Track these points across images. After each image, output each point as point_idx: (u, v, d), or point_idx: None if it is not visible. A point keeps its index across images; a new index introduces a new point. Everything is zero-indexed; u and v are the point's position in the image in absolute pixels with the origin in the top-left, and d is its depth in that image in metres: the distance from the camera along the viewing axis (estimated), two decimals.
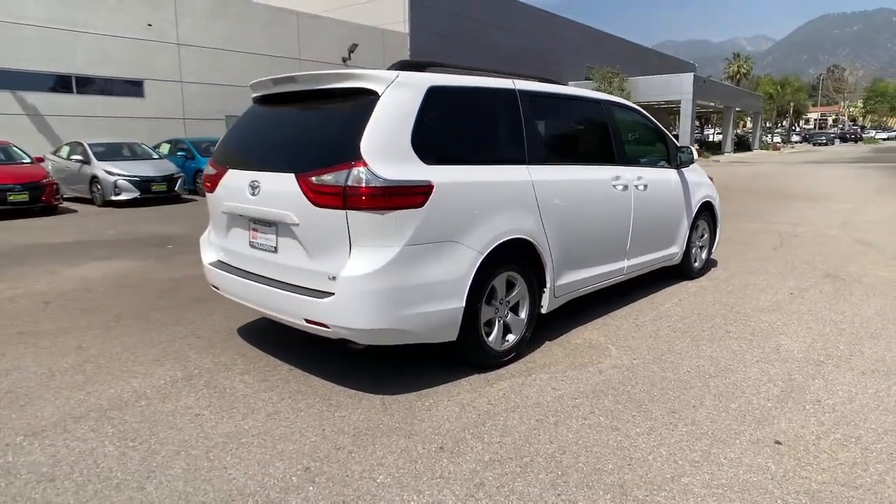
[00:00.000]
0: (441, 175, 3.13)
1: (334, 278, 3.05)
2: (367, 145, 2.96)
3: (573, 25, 44.57)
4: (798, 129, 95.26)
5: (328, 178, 2.97)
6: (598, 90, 42.05)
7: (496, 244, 3.39)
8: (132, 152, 14.91)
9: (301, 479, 2.45)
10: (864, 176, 19.85)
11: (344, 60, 28.14)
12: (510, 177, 3.59)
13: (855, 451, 2.64)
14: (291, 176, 3.14)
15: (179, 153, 16.38)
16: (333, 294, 3.03)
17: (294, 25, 26.24)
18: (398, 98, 3.11)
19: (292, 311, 3.22)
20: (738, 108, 52.67)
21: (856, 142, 64.04)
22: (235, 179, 3.54)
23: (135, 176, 13.45)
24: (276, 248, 3.36)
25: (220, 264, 3.85)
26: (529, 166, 3.74)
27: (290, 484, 2.42)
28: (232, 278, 3.64)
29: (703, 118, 61.39)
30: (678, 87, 43.20)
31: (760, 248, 7.44)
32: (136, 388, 3.38)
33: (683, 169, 5.42)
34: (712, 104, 48.68)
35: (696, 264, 5.89)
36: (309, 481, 2.44)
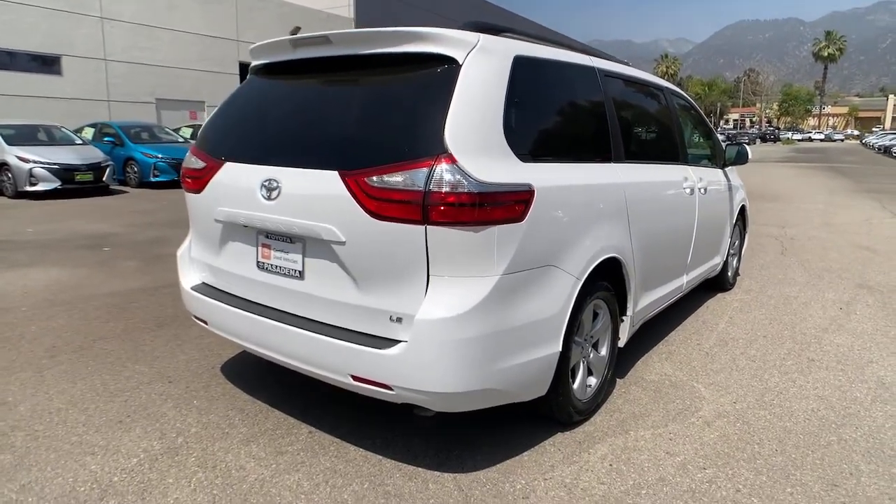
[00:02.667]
0: (540, 176, 2.31)
1: (400, 320, 2.17)
2: (452, 133, 2.08)
3: (519, 20, 44.29)
4: (720, 129, 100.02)
5: (397, 179, 2.07)
6: None
7: (593, 266, 2.60)
8: (50, 137, 13.06)
9: None
10: (806, 175, 20.45)
11: None
12: (604, 178, 2.81)
13: None
14: (334, 174, 2.21)
15: (106, 139, 14.55)
16: (401, 342, 2.14)
17: (233, 4, 24.38)
18: (484, 69, 2.26)
19: (331, 364, 2.30)
20: None
21: (774, 142, 67.55)
22: (239, 176, 2.56)
23: (54, 163, 11.71)
24: (301, 272, 2.42)
25: (208, 289, 2.86)
26: (615, 165, 2.98)
27: None
28: (228, 311, 2.66)
29: None
30: None
31: (766, 254, 7.03)
32: (96, 473, 2.36)
33: (727, 169, 4.83)
34: None
35: (730, 274, 5.33)
36: None
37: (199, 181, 2.76)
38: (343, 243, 2.22)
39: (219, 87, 23.76)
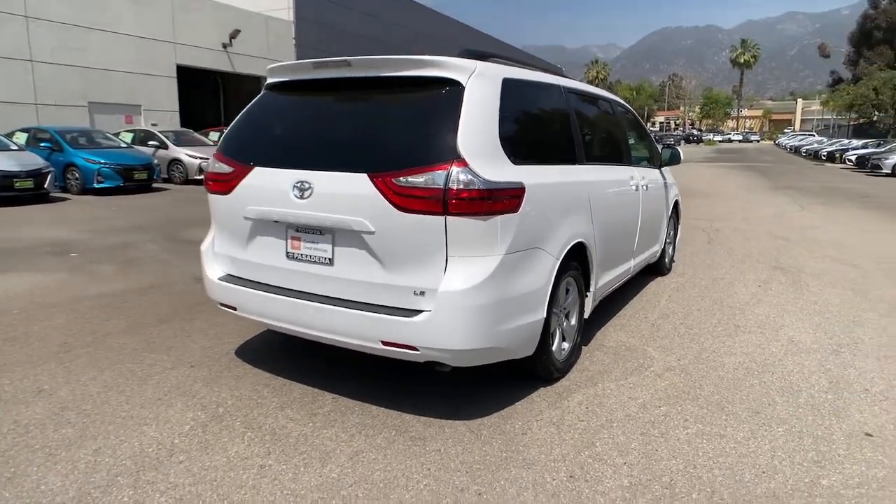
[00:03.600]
0: (527, 176, 2.86)
1: (423, 293, 2.67)
2: (463, 142, 2.61)
3: (455, 24, 45.15)
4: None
5: (421, 179, 2.57)
6: None
7: (567, 249, 3.19)
8: None
9: None
10: (727, 175, 22.24)
11: (224, 47, 26.19)
12: (571, 177, 3.41)
13: None
14: (363, 176, 2.69)
15: (42, 144, 14.07)
16: (424, 311, 2.64)
17: (168, 6, 23.80)
18: (482, 89, 2.79)
19: (363, 332, 2.77)
20: None
21: (698, 143, 71.78)
22: (270, 179, 2.98)
23: None
24: (331, 259, 2.88)
25: (236, 279, 3.25)
26: (579, 166, 3.58)
27: None
28: (259, 296, 3.08)
29: None
30: None
31: (696, 244, 7.92)
32: (158, 438, 2.72)
33: (663, 169, 5.58)
34: None
35: (667, 260, 6.11)
36: None
37: (226, 184, 3.16)
38: (372, 233, 2.69)
39: (156, 91, 23.21)
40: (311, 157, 2.94)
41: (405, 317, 2.66)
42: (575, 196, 3.39)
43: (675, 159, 5.41)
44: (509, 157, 2.81)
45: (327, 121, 3.04)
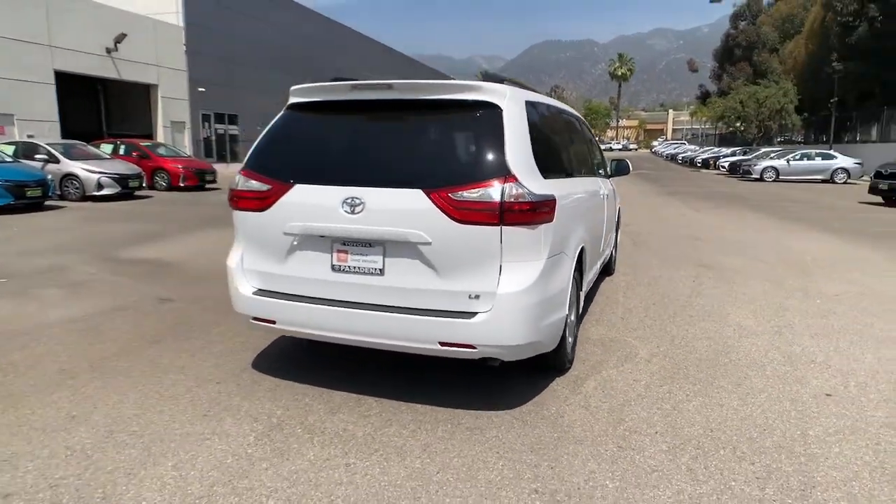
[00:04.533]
0: (553, 188, 3.24)
1: (478, 296, 2.96)
2: (511, 160, 2.95)
3: (349, 31, 45.03)
4: None
5: (477, 193, 2.88)
6: None
7: (577, 253, 3.61)
8: None
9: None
10: (619, 182, 24.11)
11: (109, 51, 24.44)
12: (575, 188, 3.84)
13: (880, 391, 3.53)
14: (418, 192, 2.94)
15: None
16: (480, 313, 2.94)
17: (43, 5, 21.82)
18: (514, 111, 3.14)
19: (420, 335, 3.01)
20: None
21: None
22: (315, 196, 3.14)
23: None
24: (381, 269, 3.08)
25: (273, 293, 3.34)
26: (575, 178, 4.04)
27: None
28: (301, 308, 3.21)
29: None
30: None
31: (624, 247, 8.71)
32: (229, 450, 2.79)
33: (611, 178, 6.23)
34: None
35: (613, 262, 6.78)
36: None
37: (262, 201, 3.26)
38: (429, 243, 2.95)
39: (32, 99, 21.12)
40: (359, 174, 3.13)
41: (465, 318, 2.94)
42: (577, 205, 3.84)
43: (623, 170, 6.06)
44: (540, 172, 3.18)
45: (373, 139, 3.24)
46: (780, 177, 25.78)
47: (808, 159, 26.23)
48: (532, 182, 3.01)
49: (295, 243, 3.24)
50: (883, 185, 15.05)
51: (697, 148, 50.54)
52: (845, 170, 24.99)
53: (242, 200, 3.34)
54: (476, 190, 2.88)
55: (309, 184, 3.18)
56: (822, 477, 2.62)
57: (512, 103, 3.15)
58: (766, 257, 7.86)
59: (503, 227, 2.89)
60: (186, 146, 26.97)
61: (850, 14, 30.21)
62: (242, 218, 3.38)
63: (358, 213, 3.04)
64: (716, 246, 8.77)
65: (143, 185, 16.32)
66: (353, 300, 3.17)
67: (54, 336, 4.41)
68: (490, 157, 2.96)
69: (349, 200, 3.05)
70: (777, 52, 50.53)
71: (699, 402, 3.38)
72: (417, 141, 3.18)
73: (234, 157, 31.54)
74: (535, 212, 2.95)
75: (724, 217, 12.72)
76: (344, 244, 3.15)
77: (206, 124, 30.48)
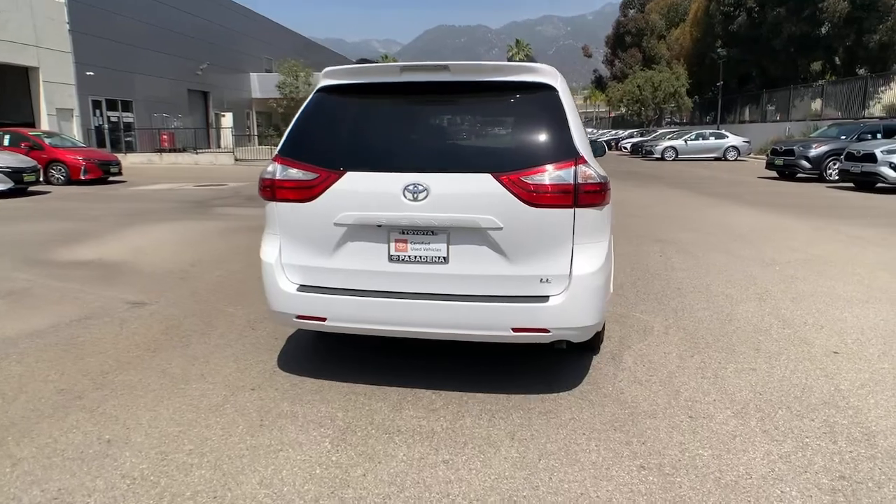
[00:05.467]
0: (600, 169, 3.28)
1: (548, 280, 2.94)
2: (577, 141, 2.94)
3: (242, 10, 42.64)
4: None
5: (550, 176, 2.84)
6: (284, 84, 41.17)
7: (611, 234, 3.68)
8: None
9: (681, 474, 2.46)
10: None
11: None
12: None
13: (876, 346, 3.91)
14: (487, 177, 2.86)
15: None
16: (552, 296, 2.92)
17: None
18: (566, 92, 3.12)
19: (491, 323, 2.94)
20: None
21: None
22: (372, 183, 2.96)
23: None
24: (446, 258, 2.98)
25: (320, 289, 3.12)
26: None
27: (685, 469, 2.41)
28: (355, 302, 3.03)
29: None
30: None
31: None
32: (311, 459, 2.60)
33: None
34: None
35: None
36: (683, 474, 2.46)
37: (308, 191, 3.03)
38: (500, 228, 2.88)
39: None
40: (420, 160, 2.99)
41: (538, 302, 2.91)
42: None
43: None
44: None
45: (430, 123, 3.10)
46: (679, 156, 27.71)
47: (703, 139, 28.37)
48: (593, 163, 3.02)
49: (346, 234, 3.04)
50: (778, 161, 16.63)
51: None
52: (736, 148, 27.32)
53: (282, 191, 3.08)
54: (550, 172, 2.85)
55: (363, 170, 2.99)
56: (875, 426, 2.87)
57: (563, 85, 3.13)
58: (711, 230, 8.45)
59: (576, 209, 2.88)
60: (76, 135, 24.47)
61: (731, 4, 32.83)
62: (283, 210, 3.12)
63: (421, 199, 2.90)
64: (663, 222, 9.29)
65: (40, 179, 14.64)
66: (413, 291, 3.03)
67: (28, 353, 3.88)
68: (558, 139, 2.93)
69: (411, 187, 2.90)
70: (664, 38, 54.02)
71: (734, 368, 3.58)
72: (479, 124, 3.09)
73: (131, 147, 29.10)
74: (602, 192, 2.96)
75: (648, 195, 13.49)
76: (403, 233, 3.00)
77: (98, 111, 27.82)
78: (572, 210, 2.88)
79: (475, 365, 3.61)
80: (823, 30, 28.09)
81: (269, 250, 3.22)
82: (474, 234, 2.93)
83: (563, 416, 2.99)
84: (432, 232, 2.97)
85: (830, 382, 3.37)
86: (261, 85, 42.50)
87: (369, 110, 3.21)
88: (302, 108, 3.25)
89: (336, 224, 3.02)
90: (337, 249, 3.08)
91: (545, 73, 3.07)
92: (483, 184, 2.87)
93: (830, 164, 15.48)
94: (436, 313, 2.98)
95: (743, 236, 8.04)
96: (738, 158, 27.11)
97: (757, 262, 6.41)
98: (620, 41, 60.36)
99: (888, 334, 4.15)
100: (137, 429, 2.87)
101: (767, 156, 17.82)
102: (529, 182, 2.84)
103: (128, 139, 29.65)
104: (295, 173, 3.07)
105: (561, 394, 3.24)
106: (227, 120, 37.40)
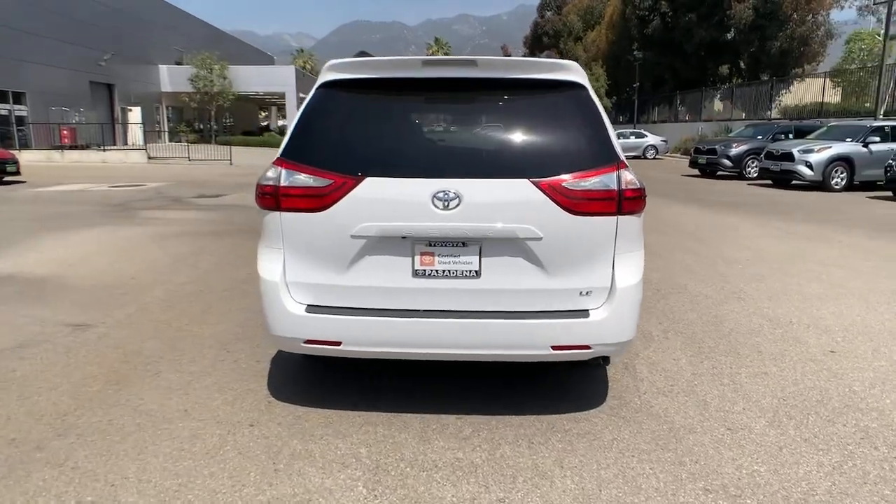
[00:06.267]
0: None
1: (589, 293, 2.75)
2: (615, 143, 2.75)
3: (159, 3, 40.04)
4: None
5: (592, 181, 2.64)
6: (198, 77, 39.02)
7: None
8: None
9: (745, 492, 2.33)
10: None
11: None
12: None
13: (865, 342, 4.03)
14: (525, 182, 2.62)
15: None
16: (592, 310, 2.73)
17: None
18: (593, 92, 2.94)
19: (529, 341, 2.71)
20: None
21: None
22: (396, 190, 2.64)
23: None
24: (478, 271, 2.71)
25: (333, 309, 2.77)
26: None
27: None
28: (375, 323, 2.71)
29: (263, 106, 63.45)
30: (281, 80, 44.18)
31: None
32: (349, 489, 2.26)
33: None
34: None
35: None
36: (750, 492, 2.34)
37: (321, 199, 2.67)
38: (539, 239, 2.65)
39: None
40: (450, 164, 2.70)
41: (579, 318, 2.71)
42: None
43: None
44: None
45: (459, 124, 2.82)
46: None
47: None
48: (630, 167, 2.86)
49: (364, 248, 2.70)
50: (702, 160, 17.52)
51: None
52: (655, 147, 28.66)
53: (289, 199, 2.70)
54: (594, 178, 2.65)
55: (384, 176, 2.66)
56: None
57: (588, 83, 2.94)
58: (665, 229, 8.65)
59: (619, 216, 2.70)
60: None
61: (646, 9, 34.39)
62: (287, 220, 2.73)
63: (453, 208, 2.62)
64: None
65: None
66: (441, 308, 2.75)
67: None
68: (598, 141, 2.74)
69: (441, 195, 2.61)
70: (581, 40, 55.91)
71: (747, 373, 3.56)
72: (510, 125, 2.82)
73: (25, 143, 26.41)
74: (643, 199, 2.80)
75: None
76: (430, 245, 2.70)
77: None
78: (615, 218, 2.70)
79: (487, 384, 3.37)
80: (730, 35, 30.02)
81: (271, 267, 2.81)
82: (510, 246, 2.68)
83: (605, 438, 2.81)
84: (463, 244, 2.70)
85: (842, 384, 3.41)
86: (171, 78, 39.91)
87: (388, 109, 2.88)
88: (304, 105, 2.87)
89: (354, 236, 2.68)
90: (353, 264, 2.74)
91: (575, 71, 2.86)
92: (521, 190, 2.63)
93: (749, 162, 16.48)
94: (467, 333, 2.71)
95: (694, 234, 8.28)
96: (657, 157, 28.45)
97: (720, 261, 6.58)
98: (538, 42, 61.88)
99: (870, 331, 4.31)
100: (125, 486, 2.40)
101: (691, 154, 18.74)
102: (572, 188, 2.63)
103: (21, 134, 26.87)
104: (304, 179, 2.69)
105: (591, 411, 3.06)
106: (135, 115, 34.81)
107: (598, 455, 2.65)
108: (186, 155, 25.52)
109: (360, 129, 2.82)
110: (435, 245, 2.70)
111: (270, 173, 2.76)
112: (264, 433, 2.83)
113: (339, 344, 2.77)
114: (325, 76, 2.88)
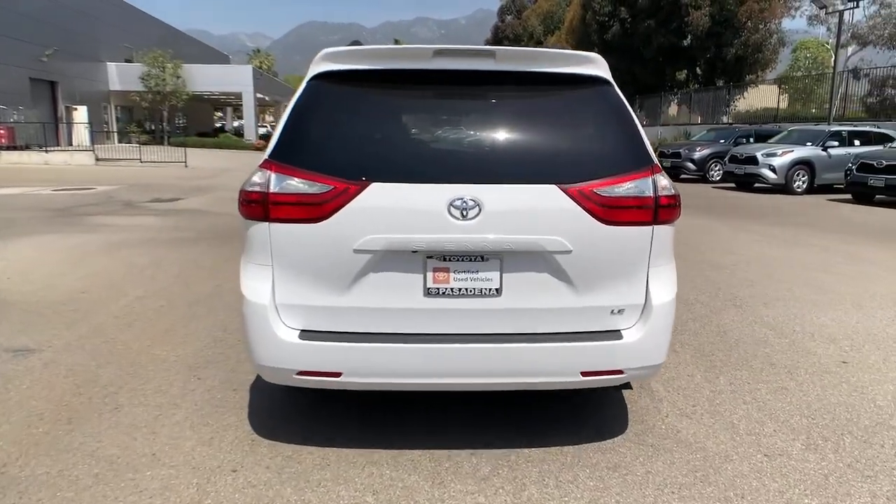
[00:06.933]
0: None
1: (621, 311, 2.46)
2: (648, 146, 2.48)
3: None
4: None
5: (626, 188, 2.36)
6: (149, 76, 37.65)
7: None
8: None
9: None
10: None
11: None
12: None
13: (875, 352, 3.90)
14: (552, 188, 2.32)
15: None
16: (623, 330, 2.45)
17: None
18: (618, 89, 2.67)
19: (557, 368, 2.41)
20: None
21: None
22: (407, 198, 2.29)
23: None
24: (499, 289, 2.39)
25: (331, 335, 2.40)
26: None
27: None
28: (382, 350, 2.36)
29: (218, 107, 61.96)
30: (238, 79, 42.88)
31: None
32: None
33: None
34: (267, 97, 50.34)
35: None
36: None
37: (318, 208, 2.30)
38: (569, 252, 2.35)
39: None
40: (467, 167, 2.37)
41: (610, 339, 2.42)
42: None
43: None
44: None
45: (475, 122, 2.47)
46: None
47: None
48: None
49: (369, 263, 2.34)
50: (666, 163, 17.66)
51: None
52: None
53: (280, 207, 2.31)
54: (627, 183, 2.37)
55: (392, 181, 2.31)
56: None
57: (612, 78, 2.66)
58: None
59: (655, 226, 2.42)
60: None
61: (605, 14, 34.81)
62: (277, 232, 2.35)
63: (472, 218, 2.29)
64: None
65: None
66: (456, 332, 2.41)
67: None
68: (630, 143, 2.46)
69: (458, 202, 2.28)
70: (542, 44, 56.42)
71: (766, 389, 3.35)
72: (536, 124, 2.49)
73: None
74: (678, 206, 2.53)
75: None
76: (444, 260, 2.36)
77: None
78: (651, 227, 2.42)
79: (497, 409, 3.05)
80: (687, 42, 30.62)
81: (257, 286, 2.42)
82: (535, 260, 2.37)
83: (637, 471, 2.52)
84: (482, 258, 2.37)
85: (865, 398, 3.24)
86: (120, 76, 38.25)
87: (393, 104, 2.52)
88: (294, 99, 2.48)
89: (357, 251, 2.32)
90: (355, 283, 2.37)
91: (601, 65, 2.58)
92: (548, 197, 2.32)
93: (713, 165, 16.73)
94: (487, 359, 2.39)
95: (678, 237, 8.16)
96: None
97: (707, 266, 6.45)
98: (499, 45, 62.15)
99: (875, 339, 4.19)
100: None
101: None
102: (604, 195, 2.34)
103: None
104: (298, 185, 2.31)
105: (616, 439, 2.78)
106: (81, 114, 33.07)
107: (634, 493, 2.37)
108: (138, 156, 24.32)
109: (362, 127, 2.46)
110: (450, 260, 2.37)
111: (257, 178, 2.37)
112: (250, 480, 2.43)
113: (338, 375, 2.40)
114: (320, 66, 2.50)
